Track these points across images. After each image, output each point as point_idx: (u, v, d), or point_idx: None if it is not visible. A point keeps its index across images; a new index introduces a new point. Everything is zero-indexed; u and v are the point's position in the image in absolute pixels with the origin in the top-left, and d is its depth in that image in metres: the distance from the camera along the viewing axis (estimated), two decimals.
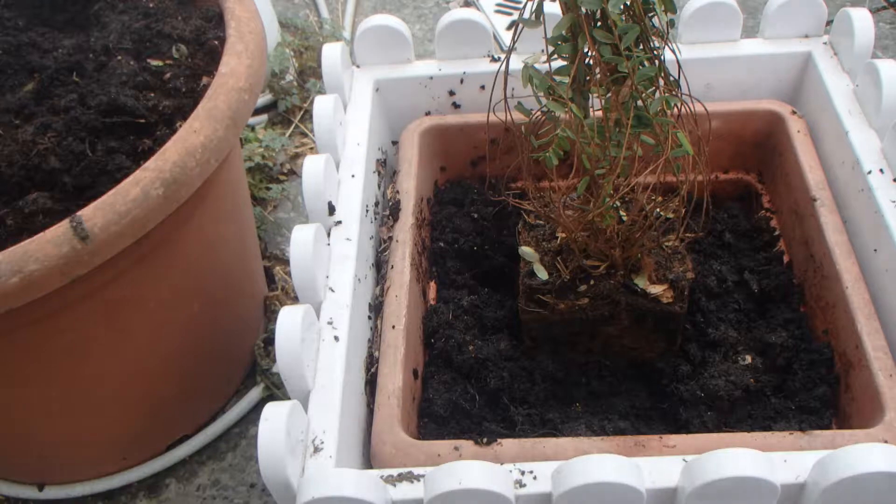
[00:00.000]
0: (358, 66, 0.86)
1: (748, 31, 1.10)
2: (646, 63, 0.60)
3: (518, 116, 0.68)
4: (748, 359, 0.69)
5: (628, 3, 0.58)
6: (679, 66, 0.64)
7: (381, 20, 0.84)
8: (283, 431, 0.54)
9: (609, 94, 0.62)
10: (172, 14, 0.79)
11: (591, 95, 0.64)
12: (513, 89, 0.68)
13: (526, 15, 0.63)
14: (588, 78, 0.62)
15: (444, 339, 0.71)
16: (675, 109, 0.63)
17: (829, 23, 0.82)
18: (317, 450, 0.58)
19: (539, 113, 0.66)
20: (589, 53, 0.60)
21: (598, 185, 0.66)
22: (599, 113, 0.63)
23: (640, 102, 0.61)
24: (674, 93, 0.63)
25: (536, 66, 0.64)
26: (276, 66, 1.17)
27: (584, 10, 0.58)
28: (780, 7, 0.83)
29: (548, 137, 0.63)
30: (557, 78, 0.63)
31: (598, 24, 0.59)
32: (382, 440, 0.61)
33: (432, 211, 0.83)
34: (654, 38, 0.60)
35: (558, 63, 0.63)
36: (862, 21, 0.79)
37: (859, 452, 0.52)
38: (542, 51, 0.64)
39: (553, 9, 0.61)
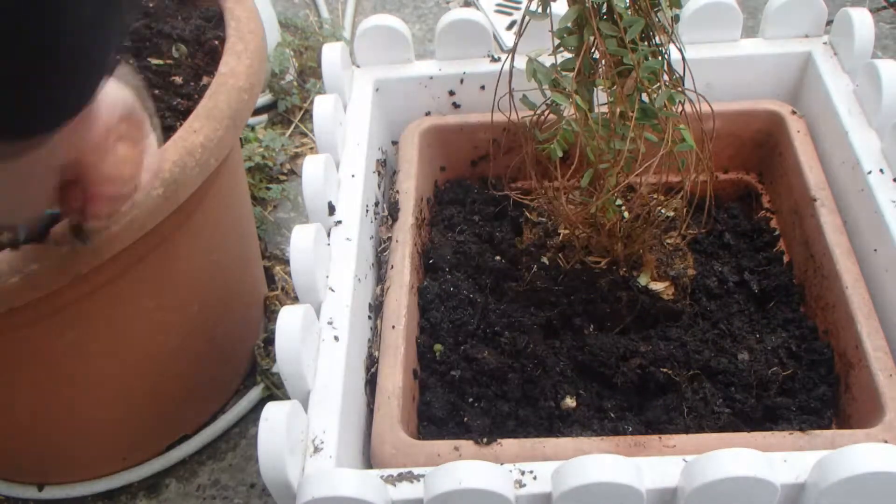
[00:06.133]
0: (358, 66, 0.86)
1: (748, 31, 1.10)
2: (650, 57, 0.60)
3: (520, 115, 0.68)
4: (747, 358, 0.69)
5: None
6: (684, 61, 0.64)
7: (381, 20, 0.84)
8: (283, 431, 0.54)
9: (614, 87, 0.62)
10: (172, 14, 0.79)
11: (595, 89, 0.64)
12: (513, 89, 0.68)
13: (532, 8, 0.63)
14: (593, 71, 0.62)
15: (443, 340, 0.71)
16: (679, 105, 0.64)
17: (829, 23, 0.82)
18: (317, 450, 0.58)
19: (543, 107, 0.66)
20: (595, 45, 0.60)
21: (601, 178, 0.66)
22: (604, 108, 0.63)
23: (644, 96, 0.62)
24: (678, 88, 0.63)
25: (540, 60, 0.64)
26: (276, 66, 1.17)
27: (589, 2, 0.58)
28: (780, 7, 0.83)
29: (552, 130, 0.63)
30: (563, 72, 0.63)
31: (604, 16, 0.60)
32: (382, 440, 0.61)
33: (432, 211, 0.83)
34: (658, 33, 0.60)
35: (563, 59, 0.63)
36: (862, 21, 0.79)
37: (859, 452, 0.52)
38: (548, 50, 0.64)
39: (559, 9, 0.62)
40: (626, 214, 0.71)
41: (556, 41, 0.62)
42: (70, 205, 0.52)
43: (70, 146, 0.47)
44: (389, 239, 0.76)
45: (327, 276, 0.68)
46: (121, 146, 0.51)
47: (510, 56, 0.67)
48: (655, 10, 0.60)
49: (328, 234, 0.71)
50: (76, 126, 0.44)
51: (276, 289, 0.96)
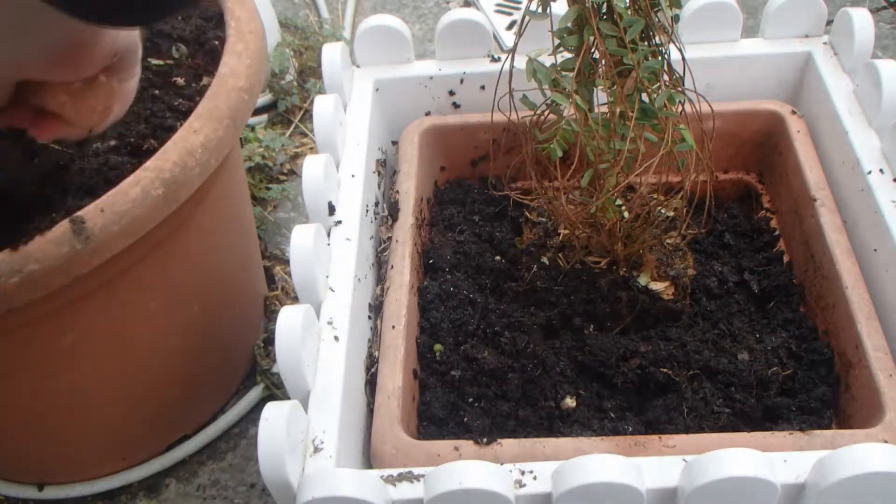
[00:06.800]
0: (358, 66, 0.86)
1: (748, 31, 1.10)
2: (650, 57, 0.60)
3: (520, 115, 0.68)
4: (747, 358, 0.69)
5: None
6: (684, 61, 0.64)
7: (381, 20, 0.84)
8: (283, 431, 0.54)
9: (614, 87, 0.62)
10: None
11: (595, 89, 0.64)
12: (513, 89, 0.68)
13: (532, 8, 0.63)
14: (593, 71, 0.62)
15: (443, 340, 0.71)
16: (679, 105, 0.64)
17: (829, 23, 0.82)
18: (317, 450, 0.58)
19: (543, 107, 0.66)
20: (595, 45, 0.60)
21: (601, 178, 0.66)
22: (604, 108, 0.64)
23: (644, 96, 0.62)
24: (678, 88, 0.63)
25: (540, 60, 0.64)
26: (276, 66, 1.17)
27: (589, 2, 0.58)
28: (780, 7, 0.83)
29: (552, 130, 0.63)
30: (563, 72, 0.63)
31: (604, 16, 0.60)
32: (382, 440, 0.61)
33: (432, 211, 0.83)
34: (658, 33, 0.61)
35: (563, 59, 0.63)
36: (862, 21, 0.79)
37: (859, 452, 0.52)
38: (548, 50, 0.64)
39: (559, 9, 0.62)
40: (626, 214, 0.71)
41: (556, 41, 0.62)
42: (10, 120, 0.45)
43: (60, 58, 0.40)
44: (389, 239, 0.76)
45: (327, 276, 0.68)
46: (102, 76, 0.44)
47: (510, 56, 0.67)
48: (655, 10, 0.60)
49: (328, 234, 0.71)
50: (82, 39, 0.38)
51: (276, 289, 0.96)
